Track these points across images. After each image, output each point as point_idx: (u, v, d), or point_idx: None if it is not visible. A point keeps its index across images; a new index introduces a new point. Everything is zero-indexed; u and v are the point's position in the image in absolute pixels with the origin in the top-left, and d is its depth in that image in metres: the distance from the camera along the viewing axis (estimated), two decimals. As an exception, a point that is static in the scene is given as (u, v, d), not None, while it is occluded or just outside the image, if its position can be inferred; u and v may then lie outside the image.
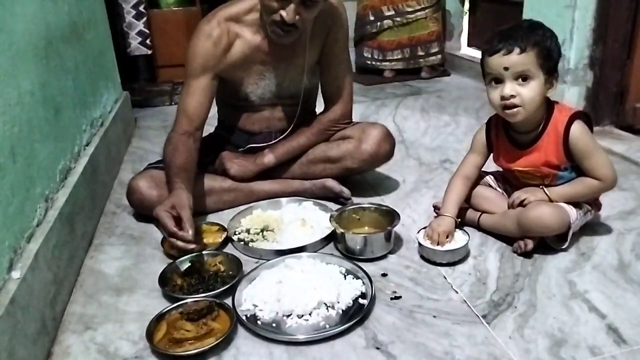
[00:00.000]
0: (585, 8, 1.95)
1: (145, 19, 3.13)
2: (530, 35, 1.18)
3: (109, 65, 2.21)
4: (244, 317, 1.09)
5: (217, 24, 1.48)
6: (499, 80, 1.21)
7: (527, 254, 1.28)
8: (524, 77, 1.19)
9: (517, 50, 1.17)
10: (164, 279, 1.22)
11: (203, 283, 1.20)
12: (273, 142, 1.65)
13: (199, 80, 1.50)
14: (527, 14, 2.14)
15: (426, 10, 3.07)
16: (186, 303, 1.11)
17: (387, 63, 3.21)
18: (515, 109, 1.21)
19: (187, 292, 1.18)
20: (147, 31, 3.15)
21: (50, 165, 1.30)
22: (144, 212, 1.52)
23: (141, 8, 3.12)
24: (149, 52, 3.21)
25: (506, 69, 1.19)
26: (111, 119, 1.97)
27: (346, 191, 1.60)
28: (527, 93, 1.19)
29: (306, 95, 1.64)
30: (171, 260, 1.30)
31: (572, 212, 1.27)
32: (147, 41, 3.17)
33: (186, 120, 1.50)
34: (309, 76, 1.61)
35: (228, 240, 1.41)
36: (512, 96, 1.20)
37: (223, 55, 1.50)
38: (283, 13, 1.35)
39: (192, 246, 1.27)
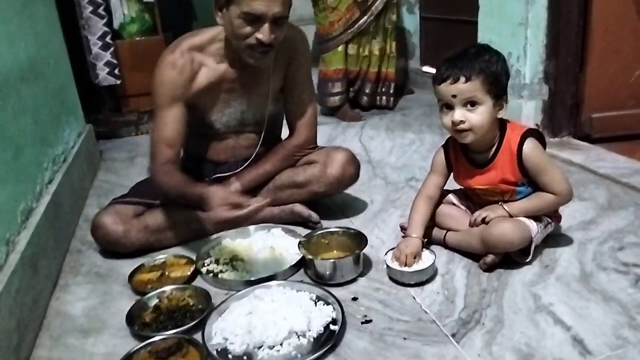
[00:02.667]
0: (537, 25, 2.02)
1: (112, 49, 3.11)
2: (475, 63, 1.22)
3: (71, 100, 2.19)
4: (214, 352, 1.08)
5: (180, 54, 1.48)
6: (450, 106, 1.25)
7: (490, 268, 1.30)
8: (472, 103, 1.23)
9: (462, 79, 1.21)
10: (132, 317, 1.20)
11: (172, 319, 1.18)
12: (239, 170, 1.65)
13: (170, 110, 1.48)
14: (481, 33, 2.20)
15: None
16: (154, 341, 1.09)
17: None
18: (464, 133, 1.25)
19: (156, 329, 1.16)
20: (115, 61, 3.14)
21: (10, 207, 1.28)
22: (109, 249, 1.50)
23: (108, 39, 3.10)
24: (118, 82, 3.19)
25: (454, 96, 1.23)
26: (74, 154, 1.94)
27: (314, 215, 1.61)
28: (475, 118, 1.24)
29: (270, 121, 1.65)
30: (139, 297, 1.28)
31: (533, 225, 1.30)
32: (116, 71, 3.15)
33: (166, 149, 1.47)
34: (273, 103, 1.63)
35: (197, 272, 1.40)
36: (462, 121, 1.24)
37: (189, 84, 1.49)
38: (259, 35, 1.37)
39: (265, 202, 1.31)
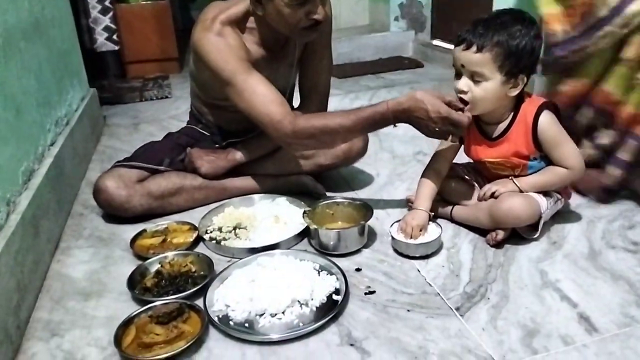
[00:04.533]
0: (554, -3, 1.95)
1: (111, 13, 3.05)
2: (496, 33, 1.16)
3: (74, 62, 2.15)
4: (215, 318, 1.07)
5: (221, 25, 1.39)
6: (459, 72, 1.23)
7: (498, 245, 1.28)
8: (478, 76, 1.19)
9: (474, 48, 1.17)
10: (133, 282, 1.19)
11: (173, 284, 1.17)
12: (248, 137, 1.62)
13: (249, 74, 1.37)
14: (497, 4, 2.14)
15: None
16: (155, 306, 1.08)
17: None
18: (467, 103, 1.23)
19: (157, 294, 1.15)
20: (114, 26, 3.08)
21: (12, 167, 1.26)
22: (112, 213, 1.49)
23: (107, 3, 3.04)
24: (116, 47, 3.14)
25: (463, 65, 1.20)
26: (77, 118, 1.92)
27: (320, 187, 1.59)
28: (478, 93, 1.20)
29: (291, 90, 1.62)
30: (140, 262, 1.27)
31: (543, 201, 1.27)
32: (114, 37, 3.10)
33: (280, 107, 1.35)
34: (295, 71, 1.59)
35: (199, 239, 1.39)
36: (464, 92, 1.21)
37: (241, 48, 1.41)
38: (316, 16, 1.32)
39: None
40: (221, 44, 1.37)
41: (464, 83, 1.21)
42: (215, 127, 1.65)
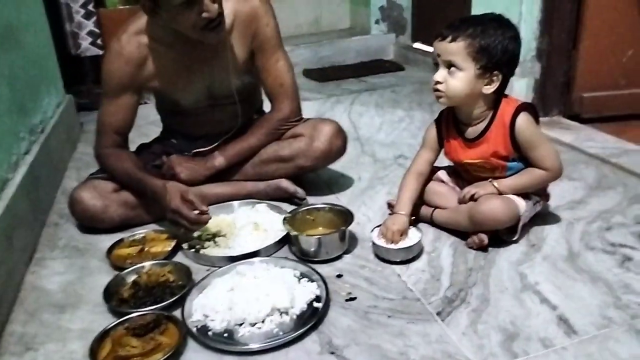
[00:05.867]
0: (531, 0, 1.97)
1: (95, 18, 3.01)
2: (471, 26, 1.19)
3: (50, 69, 2.12)
4: (194, 329, 1.05)
5: (127, 41, 1.43)
6: (437, 63, 1.25)
7: (483, 248, 1.28)
8: (453, 66, 1.21)
9: (448, 38, 1.20)
10: (109, 293, 1.17)
11: (150, 295, 1.15)
12: (220, 142, 1.60)
13: (118, 99, 1.48)
14: (475, 8, 2.15)
15: None
16: (132, 318, 1.06)
17: None
18: (438, 93, 1.25)
19: (134, 305, 1.13)
20: (98, 31, 3.04)
21: (-17, 177, 1.23)
22: (89, 225, 1.46)
23: (90, 7, 3.00)
24: (101, 52, 3.09)
25: (439, 55, 1.23)
26: (53, 125, 1.89)
27: (300, 191, 1.58)
28: (452, 83, 1.22)
29: (243, 94, 1.60)
30: (117, 273, 1.25)
31: (522, 203, 1.28)
32: (98, 41, 3.06)
33: (112, 136, 1.51)
34: (239, 76, 1.56)
35: (178, 248, 1.37)
36: (439, 82, 1.23)
37: (138, 72, 1.46)
38: (205, 14, 1.31)
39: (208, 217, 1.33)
40: (111, 64, 1.45)
41: (440, 74, 1.23)
42: (179, 134, 1.65)
